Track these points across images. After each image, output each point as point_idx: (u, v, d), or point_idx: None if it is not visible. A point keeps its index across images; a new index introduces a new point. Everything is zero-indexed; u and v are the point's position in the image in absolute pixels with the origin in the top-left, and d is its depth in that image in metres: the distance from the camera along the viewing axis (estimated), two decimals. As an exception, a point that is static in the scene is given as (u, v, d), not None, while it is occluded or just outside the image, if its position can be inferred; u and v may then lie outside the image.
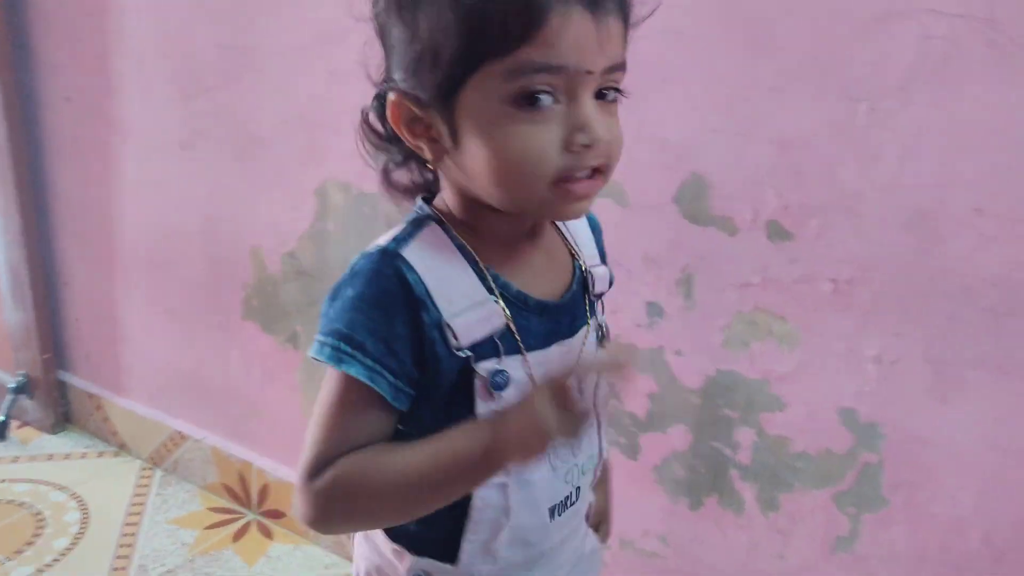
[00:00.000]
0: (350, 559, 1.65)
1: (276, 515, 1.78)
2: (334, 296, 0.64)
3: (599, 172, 0.61)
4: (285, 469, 1.76)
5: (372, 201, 1.46)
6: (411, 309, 0.62)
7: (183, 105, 1.65)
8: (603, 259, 0.79)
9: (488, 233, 0.67)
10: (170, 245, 1.79)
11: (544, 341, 0.68)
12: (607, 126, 0.60)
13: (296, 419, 1.71)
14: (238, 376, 1.79)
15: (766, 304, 1.13)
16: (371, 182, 1.43)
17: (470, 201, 0.65)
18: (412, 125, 0.63)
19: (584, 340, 0.72)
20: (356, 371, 0.61)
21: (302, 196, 1.56)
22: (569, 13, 0.55)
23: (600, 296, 0.76)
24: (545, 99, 0.57)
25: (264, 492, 1.79)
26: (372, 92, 1.50)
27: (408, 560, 0.71)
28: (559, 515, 0.72)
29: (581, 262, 0.74)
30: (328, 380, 0.64)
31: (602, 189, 0.63)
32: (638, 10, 0.62)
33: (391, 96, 0.62)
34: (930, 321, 1.02)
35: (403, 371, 0.62)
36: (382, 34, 0.64)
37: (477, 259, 0.66)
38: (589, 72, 0.57)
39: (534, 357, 0.67)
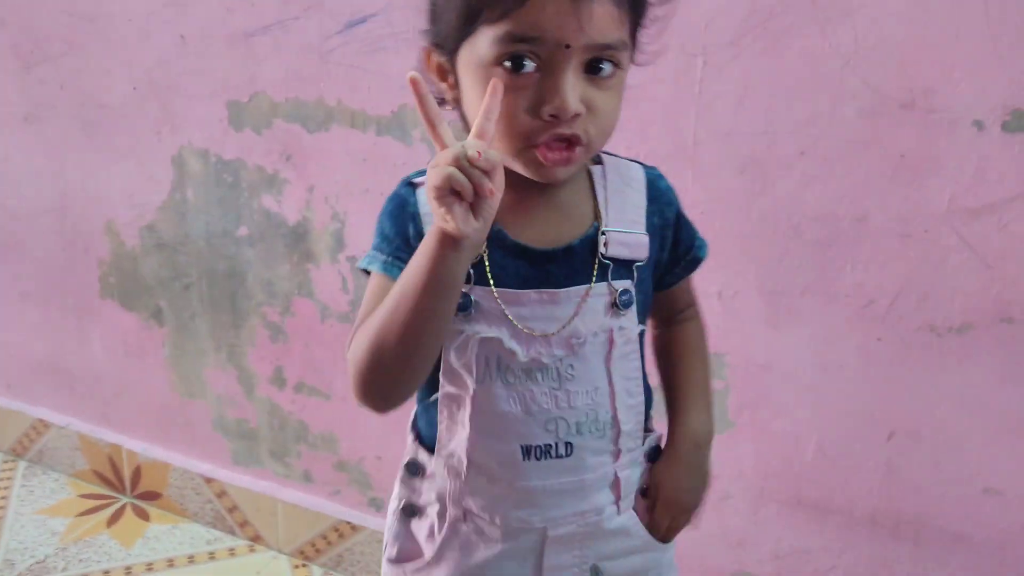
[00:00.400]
0: (232, 533, 1.65)
1: (151, 496, 1.74)
2: None
3: (577, 143, 0.66)
4: (158, 449, 1.73)
5: (233, 168, 1.44)
6: (412, 221, 0.74)
7: (25, 75, 1.57)
8: (669, 229, 0.79)
9: None
10: (19, 224, 1.71)
11: (521, 282, 0.72)
12: (590, 98, 0.65)
13: (166, 396, 1.68)
14: (101, 357, 1.73)
15: (621, 250, 1.20)
16: (231, 148, 1.43)
17: None
18: (439, 72, 0.72)
19: (584, 299, 0.73)
20: (376, 267, 0.74)
21: (158, 166, 1.52)
22: None
23: (631, 264, 0.76)
24: (528, 65, 0.64)
25: (137, 474, 1.74)
26: (225, 55, 1.48)
27: (411, 448, 0.82)
28: (536, 458, 0.75)
29: (601, 223, 0.75)
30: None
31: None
32: None
33: (424, 44, 0.72)
34: (764, 256, 1.12)
35: None
36: None
37: None
38: (568, 46, 0.63)
39: (506, 294, 0.72)
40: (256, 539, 1.65)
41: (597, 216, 0.76)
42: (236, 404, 1.61)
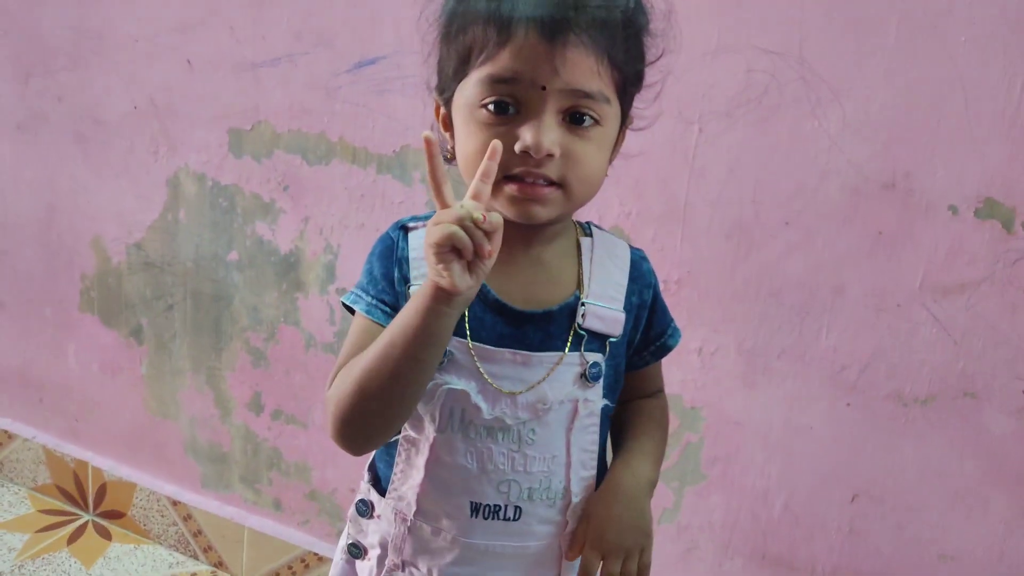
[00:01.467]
0: (196, 558, 1.64)
1: (115, 515, 1.72)
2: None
3: (555, 185, 0.70)
4: (125, 468, 1.71)
5: (229, 193, 1.46)
6: (398, 265, 0.77)
7: (23, 86, 1.58)
8: (645, 310, 0.82)
9: None
10: (2, 233, 1.70)
11: (496, 340, 0.74)
12: (566, 143, 0.69)
13: (138, 414, 1.67)
14: (74, 372, 1.72)
15: (607, 302, 1.25)
16: (229, 174, 1.45)
17: None
18: (445, 122, 0.77)
19: (556, 365, 0.75)
20: (361, 307, 0.77)
21: (152, 186, 1.53)
22: (527, 39, 0.67)
23: (604, 338, 0.77)
24: (510, 108, 0.68)
25: (101, 492, 1.72)
26: (231, 83, 1.50)
27: (363, 488, 0.84)
28: (484, 517, 0.76)
29: (583, 293, 0.77)
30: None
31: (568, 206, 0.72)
32: (649, 52, 0.75)
33: (434, 98, 0.77)
34: (744, 317, 1.17)
35: (397, 306, 0.75)
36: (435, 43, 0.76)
37: None
38: (543, 88, 0.67)
39: (481, 350, 0.74)
40: (219, 565, 1.64)
41: (579, 286, 0.78)
42: (210, 427, 1.61)
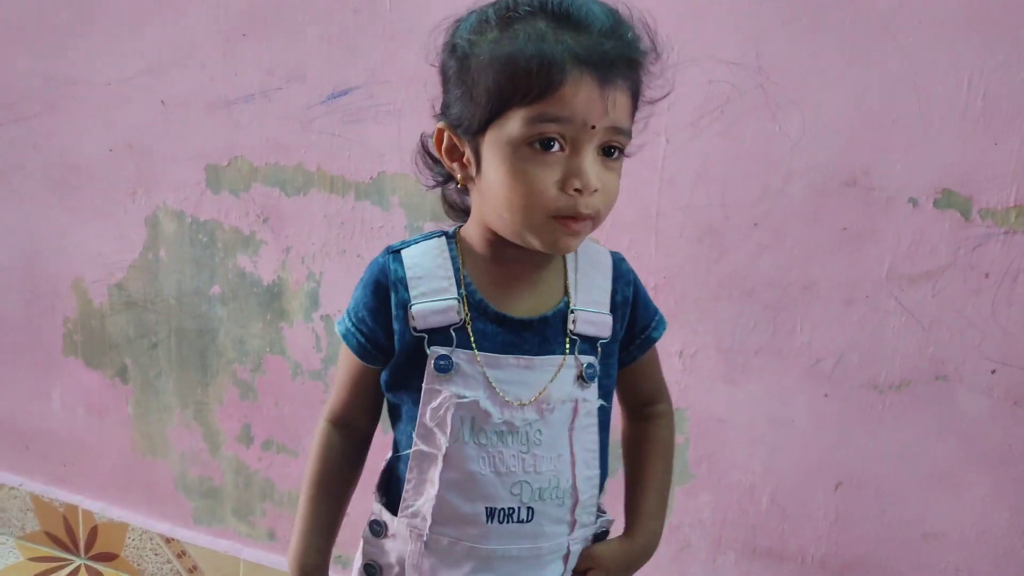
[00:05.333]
0: (191, 593, 1.64)
1: (108, 558, 1.71)
2: None
3: (589, 217, 0.73)
4: (116, 509, 1.71)
5: (209, 228, 1.48)
6: (386, 290, 0.80)
7: (-5, 135, 1.59)
8: (628, 306, 0.85)
9: (485, 250, 0.80)
10: (-21, 281, 1.70)
11: (501, 348, 0.78)
12: (601, 176, 0.72)
13: (127, 454, 1.67)
14: (60, 416, 1.71)
15: (588, 311, 1.28)
16: (208, 210, 1.47)
17: (482, 225, 0.79)
18: (450, 151, 0.77)
19: (558, 369, 0.79)
20: (340, 330, 0.83)
21: (131, 226, 1.54)
22: (581, 79, 0.69)
23: (595, 341, 0.82)
24: (555, 145, 0.70)
25: (93, 535, 1.71)
26: (205, 121, 1.52)
27: (376, 509, 0.86)
28: (499, 521, 0.79)
29: (571, 300, 0.81)
30: None
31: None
32: (652, 94, 0.78)
33: (439, 124, 0.76)
34: (721, 318, 1.21)
35: (372, 336, 0.81)
36: (442, 73, 0.77)
37: (461, 269, 0.80)
38: (592, 127, 0.70)
39: (487, 358, 0.78)
40: (216, 599, 1.64)
41: (566, 292, 0.82)
42: (200, 462, 1.61)
